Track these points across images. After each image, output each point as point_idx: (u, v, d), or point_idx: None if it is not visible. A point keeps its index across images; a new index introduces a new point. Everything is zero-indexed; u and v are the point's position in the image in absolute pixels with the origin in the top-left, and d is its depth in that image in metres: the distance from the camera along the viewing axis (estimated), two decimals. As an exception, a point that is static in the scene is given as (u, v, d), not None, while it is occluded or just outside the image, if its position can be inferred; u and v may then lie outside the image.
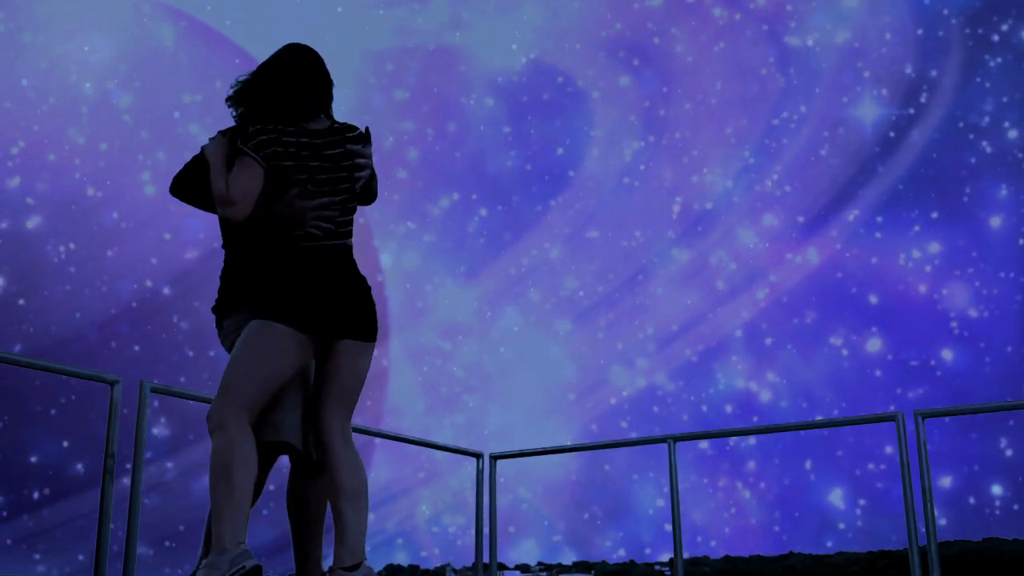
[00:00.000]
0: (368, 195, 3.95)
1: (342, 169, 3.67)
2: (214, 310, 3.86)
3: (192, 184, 3.77)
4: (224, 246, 3.88)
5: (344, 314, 3.57)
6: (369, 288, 3.73)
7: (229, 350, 3.75)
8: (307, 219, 3.56)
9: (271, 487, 3.96)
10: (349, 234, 3.72)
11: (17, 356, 4.87)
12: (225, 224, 3.80)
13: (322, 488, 3.76)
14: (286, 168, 3.56)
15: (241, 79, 3.78)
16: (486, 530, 7.53)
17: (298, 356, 3.53)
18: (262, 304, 3.52)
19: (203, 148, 3.72)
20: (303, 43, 3.82)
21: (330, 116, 3.78)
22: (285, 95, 3.66)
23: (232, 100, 3.75)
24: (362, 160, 3.73)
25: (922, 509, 5.69)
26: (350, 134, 3.73)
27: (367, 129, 3.88)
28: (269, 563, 4.06)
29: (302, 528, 3.93)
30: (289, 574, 3.96)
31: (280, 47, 3.78)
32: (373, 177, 3.90)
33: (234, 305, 3.75)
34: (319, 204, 3.58)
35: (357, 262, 3.80)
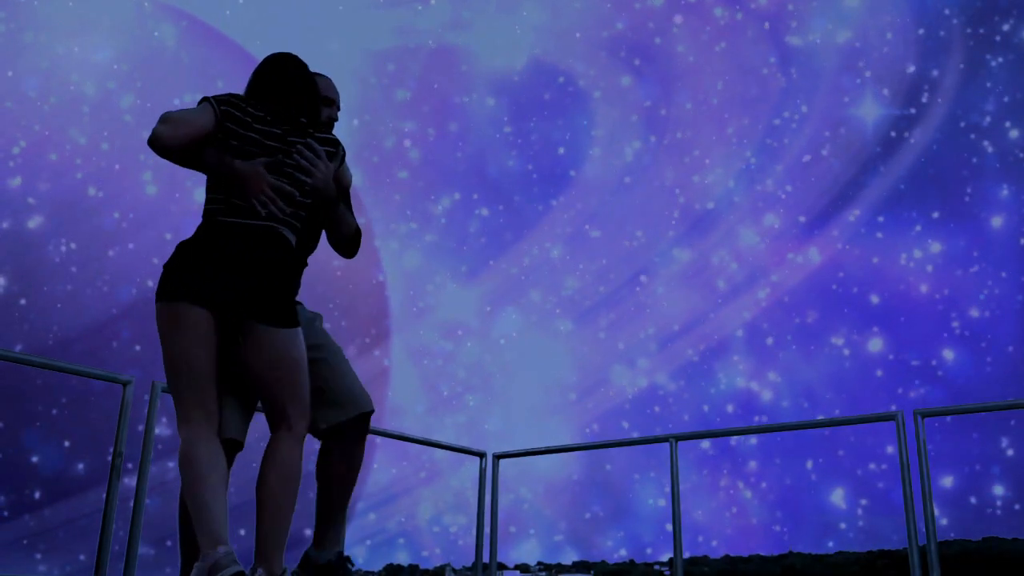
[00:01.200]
0: (328, 208, 3.89)
1: (293, 161, 3.57)
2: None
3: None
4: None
5: (250, 294, 3.36)
6: (290, 270, 3.50)
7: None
8: (260, 190, 3.43)
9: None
10: (290, 227, 3.55)
11: (28, 356, 4.88)
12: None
13: (347, 457, 3.76)
14: (239, 129, 3.49)
15: None
16: (487, 530, 7.54)
17: (208, 334, 3.31)
18: (159, 284, 3.35)
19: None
20: (286, 52, 3.81)
21: (310, 122, 3.72)
22: (263, 87, 3.64)
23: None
24: (306, 157, 3.62)
25: (922, 509, 5.71)
26: (320, 135, 3.71)
27: (342, 153, 3.86)
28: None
29: (326, 497, 3.90)
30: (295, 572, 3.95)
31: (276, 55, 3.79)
32: (346, 203, 3.88)
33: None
34: (278, 183, 3.49)
35: (295, 259, 3.62)
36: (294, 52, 3.84)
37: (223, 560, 3.06)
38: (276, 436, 3.46)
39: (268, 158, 3.50)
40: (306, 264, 3.96)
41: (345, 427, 3.83)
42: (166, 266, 3.36)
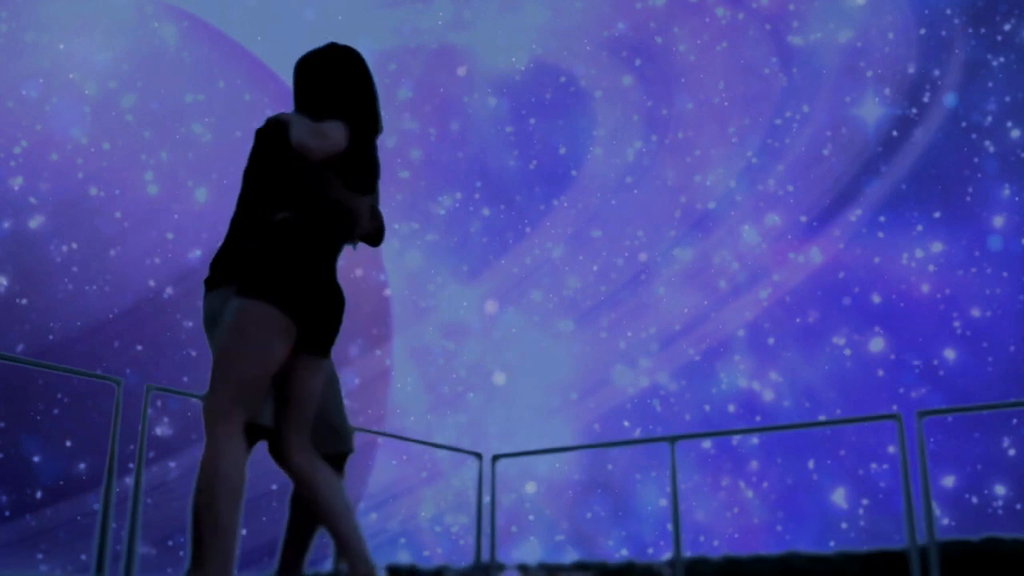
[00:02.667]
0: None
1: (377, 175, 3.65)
2: (205, 282, 3.64)
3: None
4: (235, 222, 3.65)
5: (328, 326, 3.43)
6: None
7: (206, 330, 3.58)
8: (360, 217, 3.50)
9: (273, 486, 3.93)
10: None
11: (27, 358, 4.89)
12: (255, 194, 3.60)
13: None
14: (356, 156, 3.51)
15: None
16: (487, 529, 7.54)
17: (280, 345, 3.28)
18: (254, 283, 3.28)
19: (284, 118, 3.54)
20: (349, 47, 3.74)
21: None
22: (361, 102, 3.61)
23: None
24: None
25: (922, 508, 5.71)
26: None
27: None
28: (270, 563, 4.07)
29: (301, 523, 3.91)
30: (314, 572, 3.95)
31: (339, 49, 3.70)
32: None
33: (220, 282, 3.55)
34: (368, 205, 3.56)
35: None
36: (297, 52, 3.80)
37: None
38: (312, 457, 3.46)
39: (369, 196, 3.55)
40: None
41: (332, 459, 3.90)
42: (274, 267, 3.30)
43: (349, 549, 3.32)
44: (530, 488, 8.38)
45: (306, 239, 3.37)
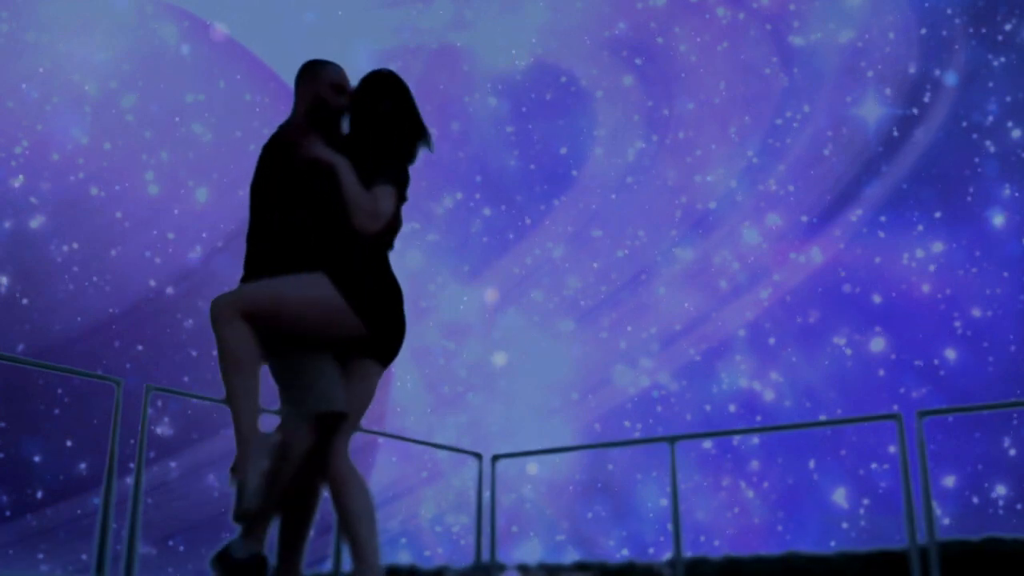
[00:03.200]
0: None
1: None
2: (244, 280, 3.68)
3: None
4: (273, 233, 3.72)
5: (393, 334, 3.64)
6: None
7: None
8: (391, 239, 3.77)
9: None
10: None
11: (25, 358, 4.90)
12: (286, 235, 3.69)
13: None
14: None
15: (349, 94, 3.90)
16: (486, 529, 7.54)
17: (328, 322, 3.50)
18: (326, 264, 3.54)
19: (315, 153, 3.67)
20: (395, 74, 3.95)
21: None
22: (403, 136, 3.86)
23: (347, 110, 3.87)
24: None
25: (922, 508, 5.71)
26: None
27: None
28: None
29: (295, 526, 3.89)
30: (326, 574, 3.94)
31: (380, 78, 3.92)
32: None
33: (270, 271, 3.61)
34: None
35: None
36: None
37: (265, 438, 3.30)
38: (347, 453, 3.58)
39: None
40: None
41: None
42: (359, 286, 3.54)
43: (362, 557, 3.40)
44: (531, 488, 8.39)
45: (369, 253, 3.65)
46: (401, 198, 3.72)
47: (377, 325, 3.54)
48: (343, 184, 3.56)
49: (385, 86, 3.82)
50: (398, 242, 3.96)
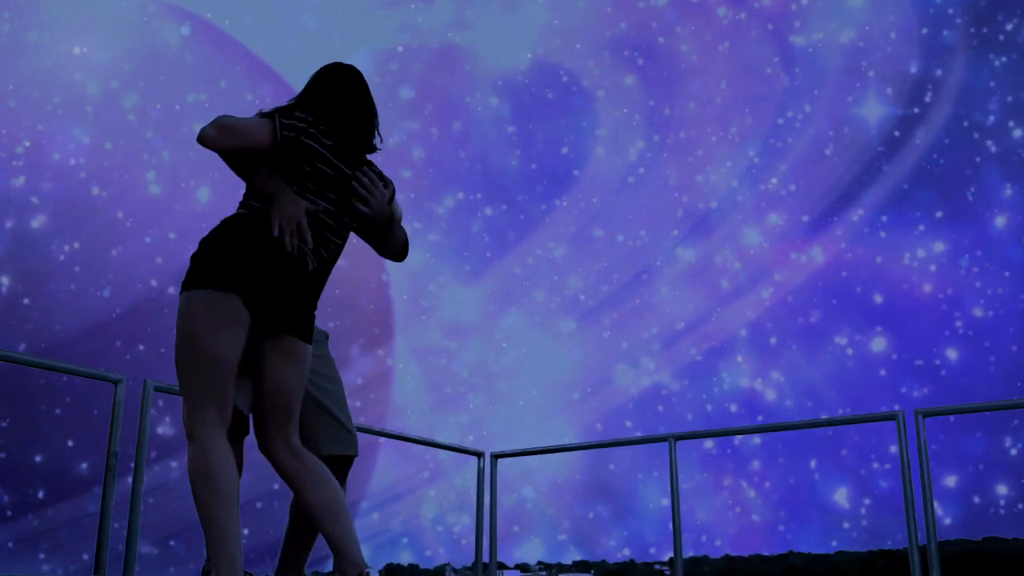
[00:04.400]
0: (383, 232, 3.87)
1: (345, 183, 3.54)
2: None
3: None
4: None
5: (288, 299, 3.29)
6: (318, 289, 3.48)
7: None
8: (288, 216, 3.34)
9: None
10: (317, 257, 3.49)
11: (21, 355, 4.89)
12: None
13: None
14: (298, 155, 3.42)
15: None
16: (487, 529, 7.55)
17: (228, 327, 3.18)
18: (197, 272, 3.21)
19: None
20: (346, 64, 3.79)
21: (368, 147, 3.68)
22: (332, 106, 3.59)
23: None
24: (365, 186, 3.59)
25: (923, 508, 5.71)
26: (372, 168, 3.67)
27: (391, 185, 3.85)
28: (273, 564, 4.07)
29: (302, 528, 3.89)
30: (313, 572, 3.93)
31: (325, 67, 3.75)
32: (397, 222, 3.85)
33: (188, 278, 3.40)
34: (317, 211, 3.42)
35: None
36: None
37: None
38: (293, 447, 3.38)
39: (319, 200, 3.45)
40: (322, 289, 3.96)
41: (339, 462, 3.84)
42: (209, 252, 3.23)
43: (339, 552, 3.26)
44: (533, 488, 8.39)
45: (242, 226, 3.31)
46: (286, 144, 3.39)
47: (261, 299, 3.23)
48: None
49: (340, 73, 3.71)
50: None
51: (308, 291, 3.37)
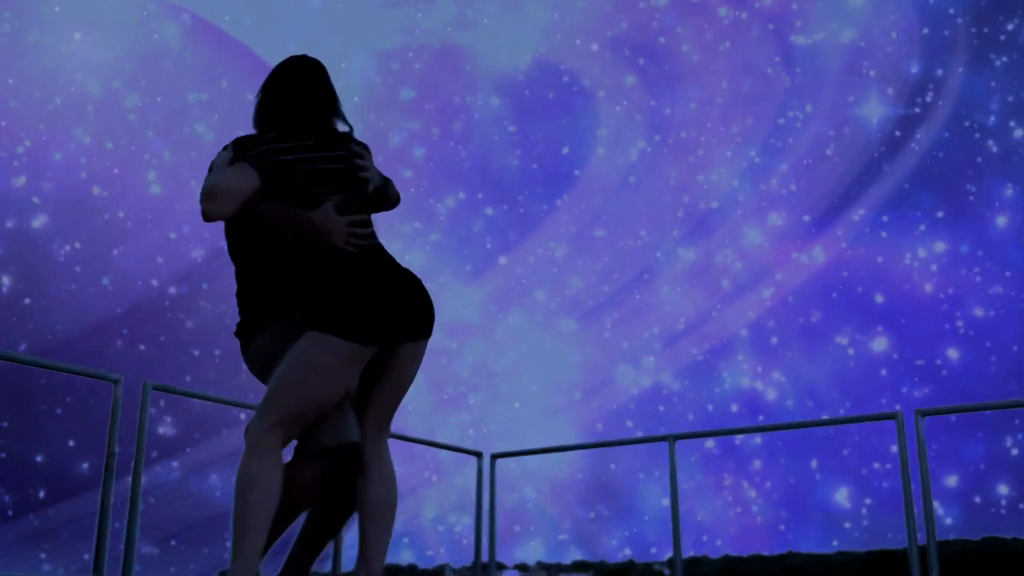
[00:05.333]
0: (384, 199, 3.86)
1: (344, 169, 3.49)
2: (237, 333, 3.55)
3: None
4: (237, 261, 3.60)
5: (407, 313, 3.32)
6: (419, 279, 3.45)
7: (258, 374, 3.50)
8: (340, 231, 3.35)
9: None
10: (375, 236, 3.51)
11: (22, 355, 4.90)
12: (237, 237, 3.56)
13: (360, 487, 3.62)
14: (301, 176, 3.38)
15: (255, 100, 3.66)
16: (486, 529, 7.55)
17: (352, 373, 3.25)
18: (314, 316, 3.21)
19: (212, 163, 3.54)
20: (303, 55, 3.69)
21: (336, 125, 3.61)
22: (290, 107, 3.52)
23: (253, 121, 3.60)
24: (362, 165, 3.56)
25: (922, 507, 5.71)
26: (352, 138, 3.60)
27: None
28: (274, 565, 4.06)
29: (319, 525, 3.85)
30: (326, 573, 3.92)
31: (281, 61, 3.67)
32: (387, 182, 3.83)
33: (263, 323, 3.45)
34: (352, 218, 3.39)
35: None
36: (299, 52, 3.75)
37: None
38: (380, 441, 3.46)
39: (336, 195, 3.41)
40: None
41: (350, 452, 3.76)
42: (326, 298, 3.21)
43: (363, 553, 3.33)
44: (533, 488, 8.39)
45: (322, 255, 3.31)
46: (273, 173, 3.37)
47: (380, 325, 3.26)
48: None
49: (291, 69, 3.62)
50: (400, 241, 3.88)
51: (415, 289, 3.37)
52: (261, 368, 3.48)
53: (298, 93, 3.55)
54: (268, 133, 3.49)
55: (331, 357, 3.18)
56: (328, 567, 6.80)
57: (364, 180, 3.55)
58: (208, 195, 3.29)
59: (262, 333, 3.46)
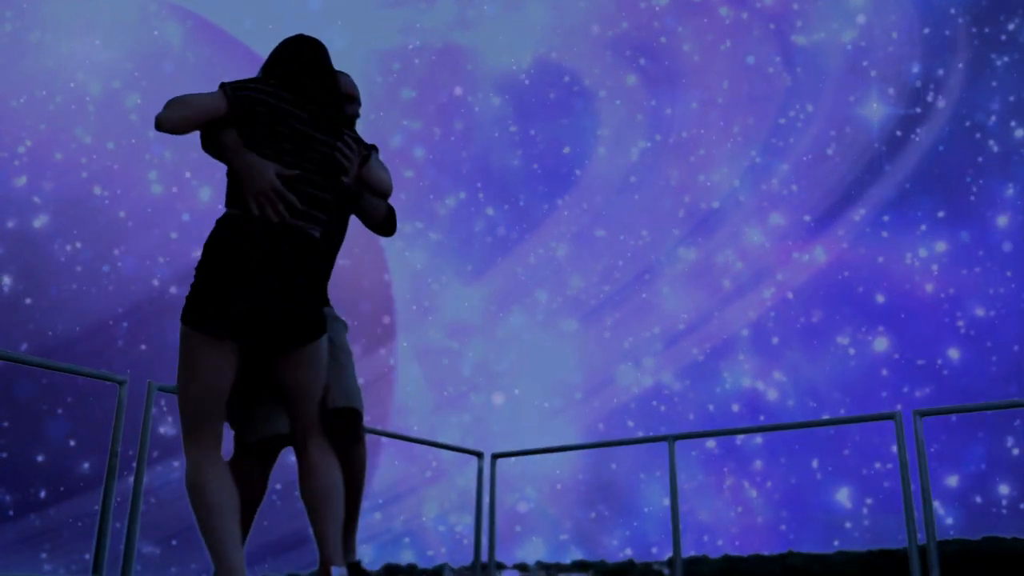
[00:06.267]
0: (364, 208, 3.91)
1: (324, 147, 3.45)
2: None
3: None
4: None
5: (285, 323, 3.26)
6: (321, 282, 3.39)
7: None
8: (264, 187, 3.26)
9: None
10: (316, 222, 3.41)
11: (26, 356, 4.91)
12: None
13: (347, 463, 3.72)
14: (262, 115, 3.33)
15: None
16: (486, 528, 7.56)
17: (221, 365, 3.23)
18: (187, 305, 3.23)
19: None
20: (309, 36, 3.67)
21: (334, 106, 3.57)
22: (285, 67, 3.51)
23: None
24: (346, 155, 3.53)
25: (921, 507, 5.72)
26: (348, 131, 3.60)
27: (374, 147, 3.82)
28: (275, 563, 4.08)
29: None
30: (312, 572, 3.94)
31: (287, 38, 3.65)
32: (390, 209, 3.87)
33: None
34: (293, 175, 3.33)
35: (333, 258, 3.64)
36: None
37: None
38: (310, 445, 3.47)
39: (290, 159, 3.36)
40: (333, 262, 3.96)
41: (334, 423, 3.80)
42: (194, 288, 3.22)
43: (320, 548, 3.36)
44: (534, 488, 8.40)
45: (225, 243, 3.23)
46: (238, 104, 3.30)
47: (254, 332, 3.22)
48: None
49: (299, 43, 3.61)
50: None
51: (304, 294, 3.30)
52: None
53: (303, 64, 3.55)
54: (267, 79, 3.49)
55: (193, 350, 3.22)
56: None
57: (339, 168, 3.51)
58: (168, 103, 3.25)
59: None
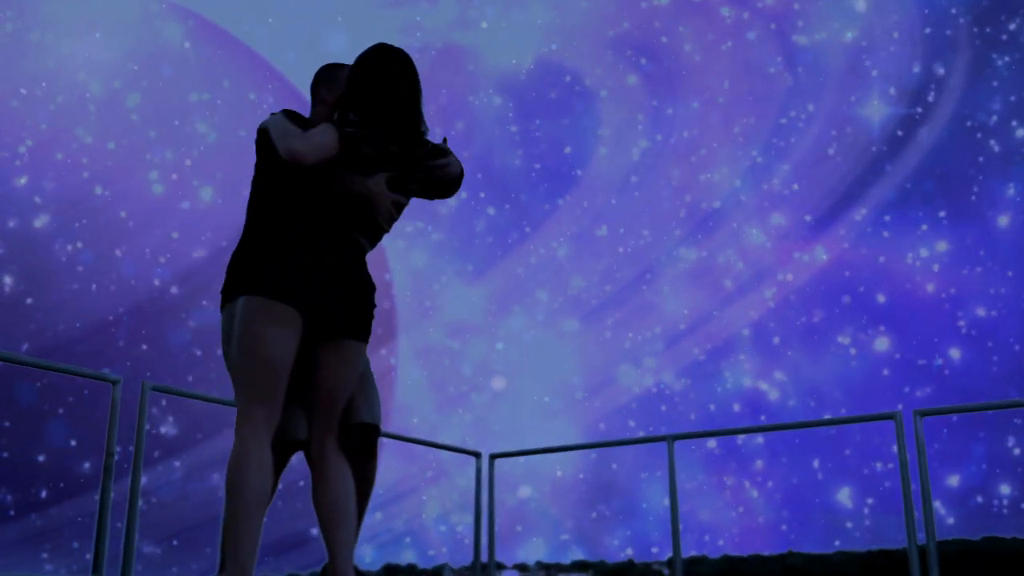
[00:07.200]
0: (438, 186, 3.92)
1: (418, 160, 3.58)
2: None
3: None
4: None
5: (343, 308, 3.36)
6: (374, 288, 3.51)
7: (225, 357, 3.52)
8: (385, 205, 3.45)
9: (280, 486, 3.92)
10: (366, 237, 3.55)
11: (21, 356, 4.91)
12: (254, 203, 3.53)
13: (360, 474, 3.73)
14: (365, 156, 3.43)
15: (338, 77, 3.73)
16: (485, 528, 7.56)
17: (285, 335, 3.26)
18: (244, 280, 3.30)
19: (267, 121, 3.52)
20: (393, 46, 3.66)
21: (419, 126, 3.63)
22: (374, 99, 3.51)
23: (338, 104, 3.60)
24: (393, 217, 3.61)
25: (922, 507, 5.71)
26: (427, 154, 3.64)
27: (444, 140, 3.84)
28: (275, 563, 4.07)
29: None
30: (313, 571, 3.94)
31: (371, 48, 3.63)
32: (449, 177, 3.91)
33: (227, 298, 3.48)
34: (398, 198, 3.50)
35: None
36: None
37: None
38: (328, 453, 3.46)
39: (390, 173, 3.49)
40: None
41: (355, 437, 3.79)
42: (263, 259, 3.28)
43: (331, 557, 3.33)
44: (535, 488, 8.40)
45: (290, 229, 3.34)
46: (353, 148, 3.39)
47: (315, 306, 3.30)
48: (271, 136, 3.39)
49: (387, 60, 3.60)
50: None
51: (363, 290, 3.43)
52: (225, 352, 3.53)
53: (391, 87, 3.55)
54: (349, 114, 3.51)
55: (256, 321, 3.22)
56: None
57: (385, 219, 3.58)
58: (301, 137, 3.30)
59: (226, 307, 3.49)
